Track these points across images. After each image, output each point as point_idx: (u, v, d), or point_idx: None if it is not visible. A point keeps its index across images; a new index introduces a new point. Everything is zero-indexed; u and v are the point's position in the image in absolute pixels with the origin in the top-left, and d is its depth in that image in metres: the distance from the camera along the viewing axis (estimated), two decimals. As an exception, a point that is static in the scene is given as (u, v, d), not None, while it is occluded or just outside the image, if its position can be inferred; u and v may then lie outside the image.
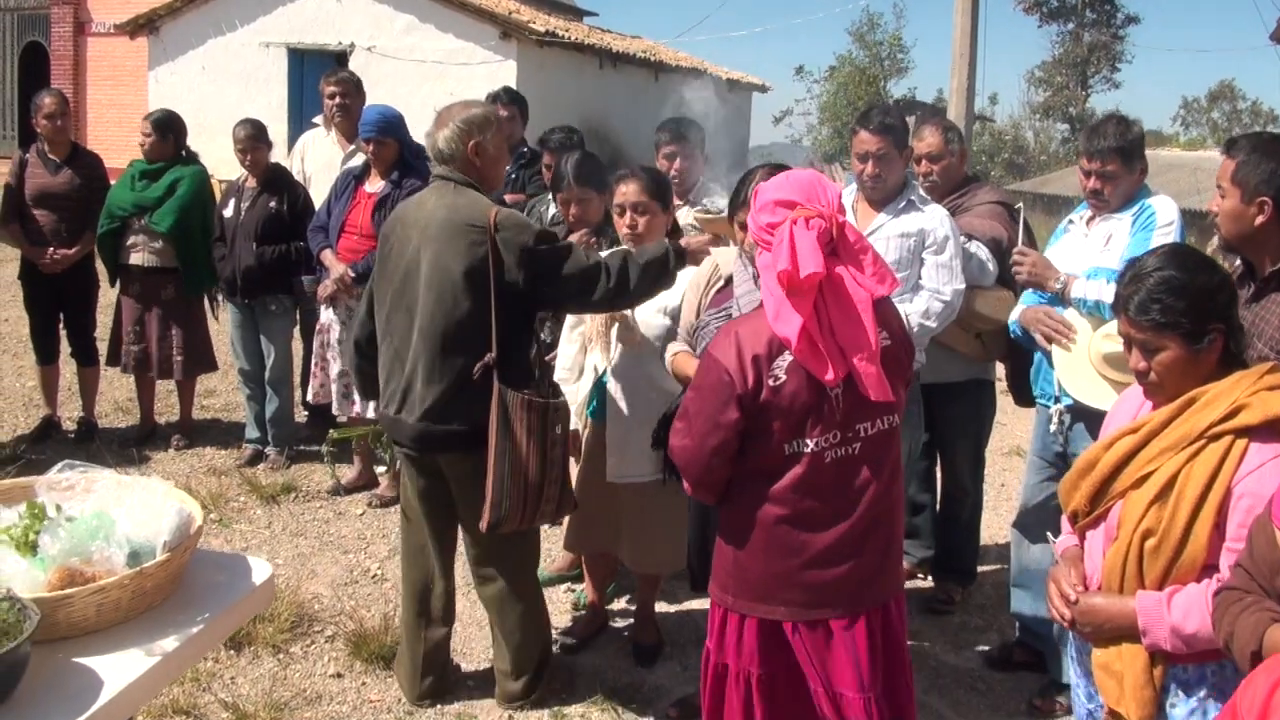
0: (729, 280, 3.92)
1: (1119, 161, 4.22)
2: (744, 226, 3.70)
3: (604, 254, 4.31)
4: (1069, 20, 42.99)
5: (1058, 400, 4.32)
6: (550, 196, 5.93)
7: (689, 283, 4.24)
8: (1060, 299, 4.25)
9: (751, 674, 3.26)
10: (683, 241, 4.26)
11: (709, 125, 5.89)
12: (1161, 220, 4.16)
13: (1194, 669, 2.66)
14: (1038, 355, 4.44)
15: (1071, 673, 3.13)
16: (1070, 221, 4.56)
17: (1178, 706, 2.68)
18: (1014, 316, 4.53)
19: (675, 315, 4.43)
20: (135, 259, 7.10)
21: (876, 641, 3.18)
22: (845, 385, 3.02)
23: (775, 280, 3.00)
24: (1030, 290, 4.45)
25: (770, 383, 3.04)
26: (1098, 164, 4.25)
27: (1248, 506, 2.45)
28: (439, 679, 4.49)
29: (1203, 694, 2.65)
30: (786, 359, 3.04)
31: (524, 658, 4.40)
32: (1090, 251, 4.29)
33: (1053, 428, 4.36)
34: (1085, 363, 4.05)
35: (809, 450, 3.08)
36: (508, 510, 4.05)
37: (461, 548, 4.53)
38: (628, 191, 4.52)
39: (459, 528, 4.43)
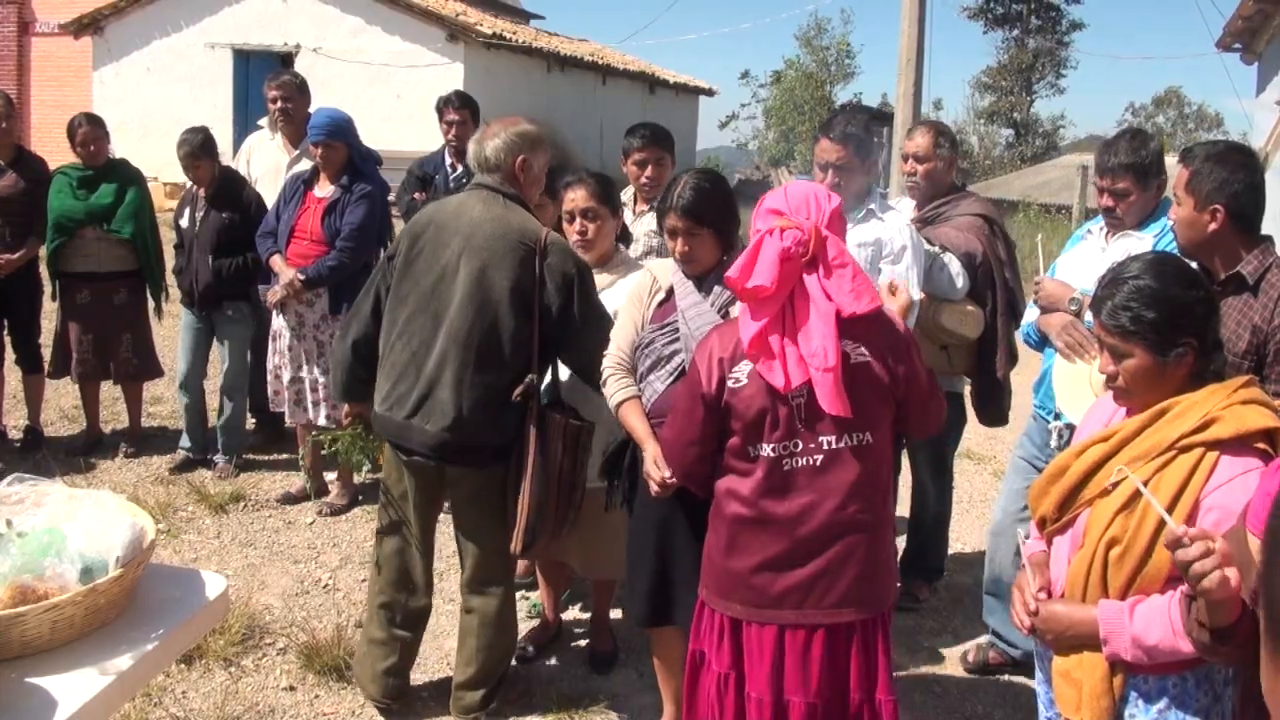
0: (670, 293, 3.88)
1: (1131, 179, 4.09)
2: (673, 233, 3.70)
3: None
4: (1014, 26, 43.40)
5: (1058, 417, 4.27)
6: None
7: (626, 296, 4.12)
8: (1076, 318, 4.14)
9: (716, 667, 3.34)
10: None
11: None
12: None
13: (1154, 680, 2.66)
14: (1044, 368, 4.37)
15: (1037, 675, 3.14)
16: (1089, 231, 4.45)
17: (1137, 717, 2.69)
18: (1030, 319, 4.45)
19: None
20: (87, 266, 7.02)
21: (826, 658, 3.19)
22: (809, 395, 3.06)
23: None
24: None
25: (731, 384, 3.15)
26: (1108, 181, 4.14)
27: (1216, 519, 2.45)
28: (403, 680, 4.49)
29: (1162, 705, 2.66)
30: (750, 363, 3.12)
31: (489, 671, 4.37)
32: (1107, 267, 4.20)
33: (1053, 443, 4.29)
34: (1085, 383, 3.95)
35: (766, 455, 3.14)
36: (539, 532, 4.13)
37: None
38: (576, 198, 4.48)
39: (455, 542, 4.44)
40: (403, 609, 4.40)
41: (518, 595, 5.44)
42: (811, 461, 3.13)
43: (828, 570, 3.17)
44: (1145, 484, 2.58)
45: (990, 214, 5.25)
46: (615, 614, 5.14)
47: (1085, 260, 4.33)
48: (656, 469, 3.61)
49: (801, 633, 3.18)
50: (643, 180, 5.42)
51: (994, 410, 5.30)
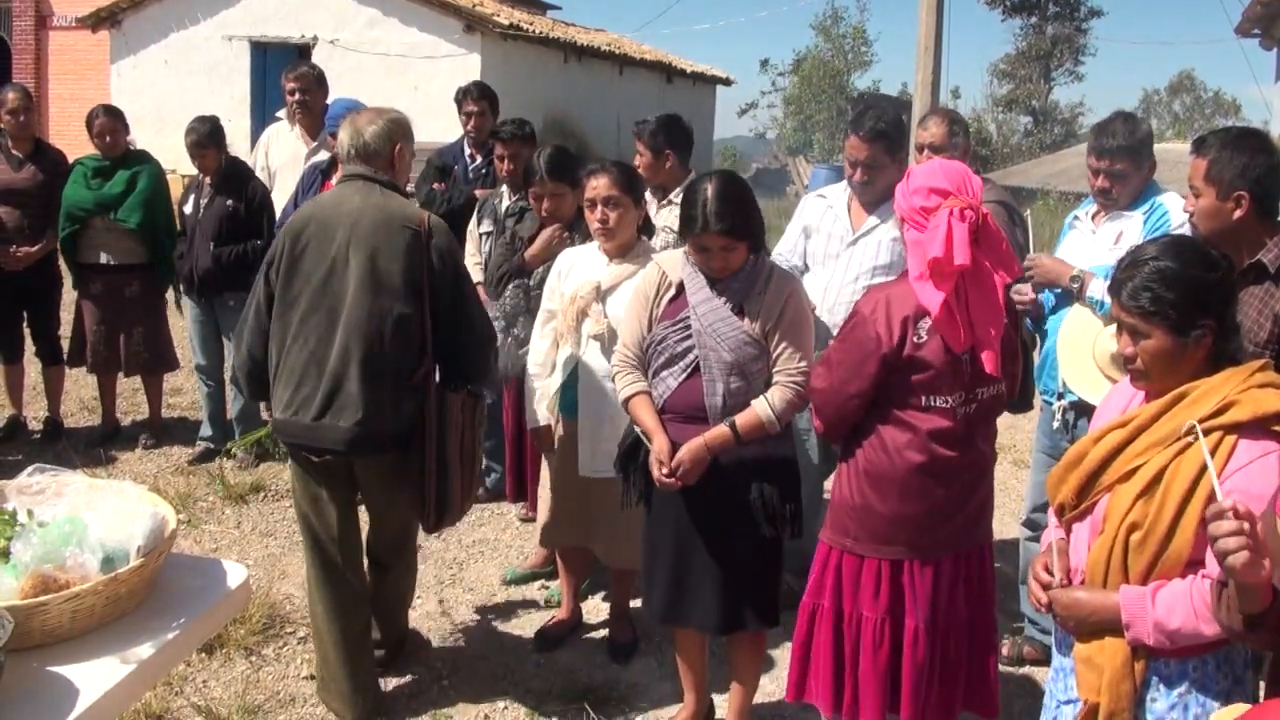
0: (680, 289, 3.87)
1: (1127, 160, 4.20)
2: (705, 249, 3.69)
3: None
4: (1032, 14, 43.23)
5: (1061, 397, 4.32)
6: (503, 189, 5.87)
7: (634, 293, 4.08)
8: (1075, 296, 4.18)
9: (864, 616, 3.52)
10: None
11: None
12: (1175, 221, 4.08)
13: (1175, 663, 2.65)
14: (1045, 350, 4.43)
15: (1053, 662, 3.12)
16: (1076, 218, 4.54)
17: (1158, 701, 2.68)
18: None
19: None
20: (98, 257, 7.04)
21: (973, 579, 3.58)
22: (971, 352, 3.37)
23: (922, 260, 3.34)
24: (1045, 291, 4.39)
25: (915, 339, 3.35)
26: (1106, 163, 4.23)
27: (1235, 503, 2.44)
28: (375, 694, 4.41)
29: (1183, 689, 2.65)
30: (930, 321, 3.35)
31: (397, 631, 4.66)
32: (1099, 249, 4.24)
33: (1055, 424, 4.37)
34: (1090, 360, 4.02)
35: (945, 405, 3.41)
36: (451, 506, 4.18)
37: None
38: (599, 186, 4.42)
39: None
40: (361, 623, 4.37)
41: (537, 584, 5.47)
42: (970, 410, 3.45)
43: (978, 504, 3.58)
44: (1164, 469, 2.57)
45: (1008, 201, 5.22)
46: (635, 603, 5.12)
47: (1078, 246, 4.44)
48: (660, 464, 3.75)
49: (952, 559, 3.53)
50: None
51: (1020, 398, 5.26)
